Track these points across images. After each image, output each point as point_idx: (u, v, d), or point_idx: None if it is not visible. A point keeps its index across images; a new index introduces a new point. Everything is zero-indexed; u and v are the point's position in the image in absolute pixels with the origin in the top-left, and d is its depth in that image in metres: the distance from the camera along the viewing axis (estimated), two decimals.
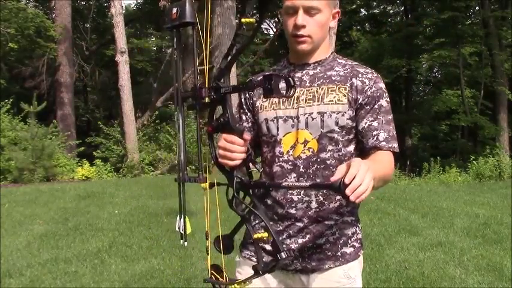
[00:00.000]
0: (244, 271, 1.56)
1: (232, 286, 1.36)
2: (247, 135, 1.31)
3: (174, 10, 1.35)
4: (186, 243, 1.39)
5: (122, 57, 12.31)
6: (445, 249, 4.66)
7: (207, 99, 1.30)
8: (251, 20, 1.25)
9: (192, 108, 1.35)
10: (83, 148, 13.85)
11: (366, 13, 23.32)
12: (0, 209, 6.59)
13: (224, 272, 1.39)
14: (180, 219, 1.39)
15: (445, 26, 17.80)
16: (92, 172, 11.68)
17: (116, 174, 12.25)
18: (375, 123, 1.46)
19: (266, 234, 1.31)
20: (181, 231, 1.39)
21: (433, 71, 24.53)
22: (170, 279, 3.85)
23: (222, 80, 1.30)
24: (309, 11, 1.43)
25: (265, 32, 23.77)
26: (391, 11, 23.64)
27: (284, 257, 1.29)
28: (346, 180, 1.11)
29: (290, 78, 1.16)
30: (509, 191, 8.14)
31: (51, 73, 15.98)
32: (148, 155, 12.89)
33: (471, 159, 12.10)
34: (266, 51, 19.42)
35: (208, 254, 1.40)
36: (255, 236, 1.32)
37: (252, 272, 1.34)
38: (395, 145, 1.47)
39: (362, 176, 1.10)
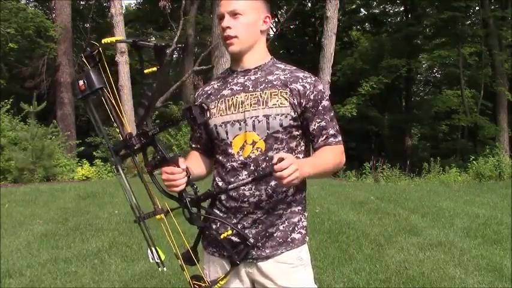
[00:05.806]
0: (210, 267, 1.75)
1: (217, 285, 1.58)
2: (182, 163, 1.55)
3: (81, 82, 1.48)
4: (165, 268, 1.57)
5: (122, 57, 12.30)
6: (445, 249, 4.66)
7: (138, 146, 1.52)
8: (153, 69, 1.46)
9: (128, 157, 1.56)
10: (82, 148, 13.82)
11: (366, 13, 23.32)
12: (0, 209, 6.59)
13: (205, 278, 1.61)
14: (151, 252, 1.57)
15: (445, 26, 17.80)
16: (92, 172, 11.65)
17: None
18: (323, 123, 1.68)
19: (230, 231, 1.56)
20: (156, 260, 1.56)
21: (433, 71, 24.56)
22: (170, 279, 3.85)
23: (145, 124, 1.49)
24: (233, 14, 1.63)
25: None
26: (391, 11, 23.64)
27: (252, 242, 1.57)
28: (277, 167, 1.41)
29: (203, 104, 1.43)
30: (509, 191, 8.13)
31: (51, 73, 15.95)
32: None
33: (471, 159, 12.10)
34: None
35: (183, 270, 1.60)
36: (222, 236, 1.56)
37: (224, 266, 1.66)
38: (340, 138, 1.72)
39: (290, 171, 1.43)
